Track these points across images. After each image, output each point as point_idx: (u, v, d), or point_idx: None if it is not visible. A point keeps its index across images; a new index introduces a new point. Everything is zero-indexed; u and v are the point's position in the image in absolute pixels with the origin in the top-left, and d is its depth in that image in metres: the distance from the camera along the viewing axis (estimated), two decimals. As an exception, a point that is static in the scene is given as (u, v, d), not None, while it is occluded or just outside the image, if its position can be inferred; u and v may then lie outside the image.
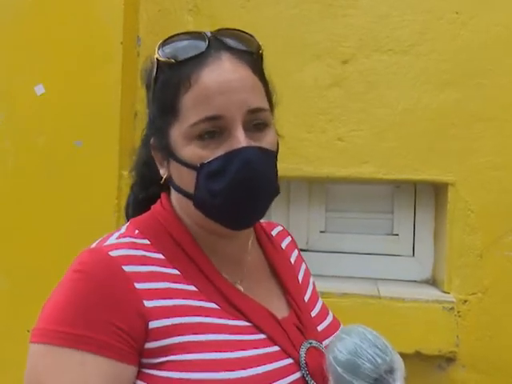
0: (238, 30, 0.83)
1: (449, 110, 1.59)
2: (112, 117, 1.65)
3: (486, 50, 1.58)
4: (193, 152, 0.77)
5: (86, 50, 1.67)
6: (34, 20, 1.70)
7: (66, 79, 1.68)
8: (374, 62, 1.63)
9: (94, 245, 0.79)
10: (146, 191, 0.92)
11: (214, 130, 0.76)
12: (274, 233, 1.02)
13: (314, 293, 0.99)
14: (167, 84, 0.80)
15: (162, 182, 0.85)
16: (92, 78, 1.66)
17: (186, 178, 0.79)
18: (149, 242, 0.79)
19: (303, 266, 1.03)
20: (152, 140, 0.84)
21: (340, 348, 0.76)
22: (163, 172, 0.84)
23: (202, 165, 0.76)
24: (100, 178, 1.64)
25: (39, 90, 1.67)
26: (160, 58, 0.80)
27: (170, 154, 0.81)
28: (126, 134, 1.67)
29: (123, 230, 0.83)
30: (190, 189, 0.79)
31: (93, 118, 1.65)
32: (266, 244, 0.96)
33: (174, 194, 0.86)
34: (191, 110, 0.77)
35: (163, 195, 0.87)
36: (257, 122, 0.79)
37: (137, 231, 0.81)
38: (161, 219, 0.84)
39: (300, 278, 0.98)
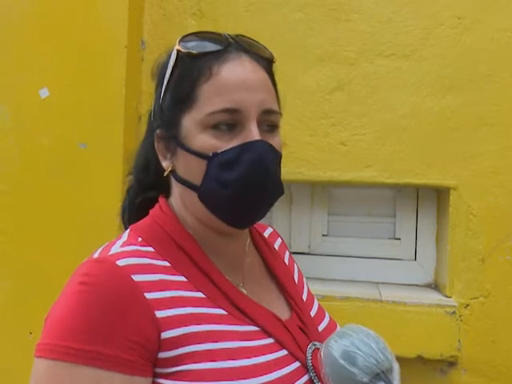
0: (253, 39, 0.86)
1: (451, 115, 1.60)
2: (116, 120, 1.65)
3: (488, 55, 1.58)
4: (205, 141, 0.78)
5: (91, 54, 1.68)
6: (38, 24, 1.71)
7: (70, 82, 1.68)
8: (376, 66, 1.64)
9: (96, 254, 0.77)
10: (143, 195, 0.91)
11: (229, 121, 0.78)
12: (265, 234, 1.03)
13: (310, 293, 1.00)
14: (186, 74, 0.81)
15: (164, 174, 0.85)
16: (96, 82, 1.67)
17: (193, 168, 0.79)
18: (153, 250, 0.79)
19: (296, 267, 1.04)
20: (158, 131, 0.85)
21: (345, 342, 0.76)
22: (166, 165, 0.84)
23: (215, 154, 0.77)
24: (104, 181, 1.65)
25: (44, 93, 1.68)
26: (181, 50, 0.81)
27: (178, 144, 0.81)
28: (130, 137, 1.68)
29: (125, 237, 0.81)
30: (197, 180, 0.79)
31: (97, 121, 1.66)
32: (262, 245, 0.96)
33: (174, 193, 0.86)
34: (209, 100, 0.78)
35: (161, 199, 0.87)
36: (268, 123, 0.81)
37: (140, 239, 0.80)
38: (162, 224, 0.83)
39: (295, 278, 0.99)
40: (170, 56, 0.84)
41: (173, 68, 0.82)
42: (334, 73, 1.66)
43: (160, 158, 0.85)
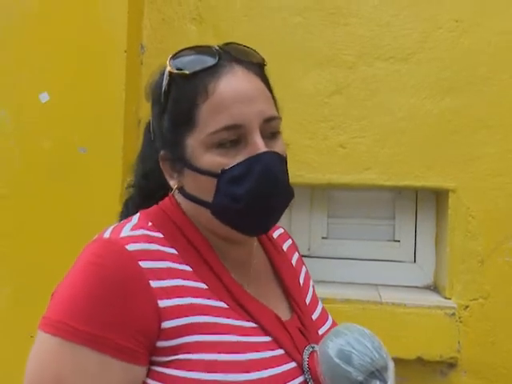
0: (242, 45, 0.86)
1: (450, 117, 1.60)
2: (116, 124, 1.66)
3: (486, 58, 1.59)
4: (212, 160, 0.78)
5: (90, 58, 1.68)
6: (38, 27, 1.71)
7: (70, 86, 1.69)
8: (375, 69, 1.65)
9: (107, 234, 0.78)
10: (147, 204, 0.91)
11: (233, 137, 0.78)
12: (275, 235, 1.03)
13: (315, 296, 1.00)
14: (181, 95, 0.81)
15: (172, 193, 0.85)
16: (96, 86, 1.67)
17: (203, 187, 0.80)
18: (162, 236, 0.80)
19: (304, 269, 1.04)
20: (162, 152, 0.85)
21: (340, 341, 0.77)
22: (174, 183, 0.84)
23: (224, 171, 0.77)
24: (104, 184, 1.65)
25: (44, 97, 1.69)
26: (172, 71, 0.81)
27: (185, 164, 0.81)
28: (130, 141, 1.69)
29: (135, 220, 0.82)
30: (208, 197, 0.79)
31: (97, 125, 1.67)
32: (268, 246, 0.97)
33: (183, 203, 0.86)
34: (210, 119, 0.78)
35: (171, 195, 0.88)
36: (271, 130, 0.82)
37: (150, 223, 0.81)
38: (171, 215, 0.84)
39: (301, 280, 1.00)
40: (162, 75, 0.83)
41: (167, 89, 0.82)
42: (333, 76, 1.67)
43: (167, 177, 0.86)
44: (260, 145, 0.78)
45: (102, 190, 1.65)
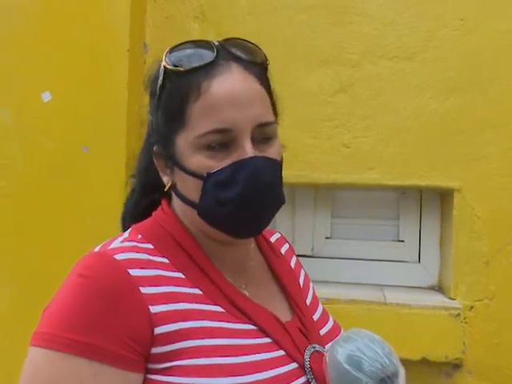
0: (245, 40, 0.83)
1: (454, 117, 1.59)
2: (118, 123, 1.65)
3: (491, 57, 1.58)
4: (199, 162, 0.77)
5: (93, 58, 1.68)
6: (41, 28, 1.71)
7: (73, 86, 1.68)
8: (379, 68, 1.64)
9: (97, 248, 0.78)
10: (147, 198, 0.91)
11: (222, 141, 0.76)
12: (272, 239, 1.03)
13: (315, 297, 1.00)
14: (175, 92, 0.79)
15: (165, 190, 0.84)
16: (99, 85, 1.67)
17: (191, 187, 0.79)
18: (152, 247, 0.79)
19: (303, 272, 1.03)
20: (155, 147, 0.84)
21: (350, 347, 0.76)
22: (166, 180, 0.84)
23: (209, 174, 0.76)
24: (107, 184, 1.65)
25: (46, 96, 1.68)
26: (167, 66, 0.79)
27: (174, 163, 0.80)
28: (133, 140, 1.68)
29: (126, 234, 0.82)
30: (195, 198, 0.79)
31: (100, 125, 1.66)
32: (266, 249, 0.96)
33: (176, 201, 0.85)
34: (200, 120, 0.76)
35: (164, 201, 0.87)
36: (264, 136, 0.79)
37: (140, 236, 0.81)
38: (163, 224, 0.83)
39: (301, 281, 0.99)
40: (160, 68, 0.81)
41: (161, 84, 0.80)
42: (337, 75, 1.66)
43: (160, 173, 0.85)
44: (248, 150, 0.76)
45: (104, 190, 1.65)
